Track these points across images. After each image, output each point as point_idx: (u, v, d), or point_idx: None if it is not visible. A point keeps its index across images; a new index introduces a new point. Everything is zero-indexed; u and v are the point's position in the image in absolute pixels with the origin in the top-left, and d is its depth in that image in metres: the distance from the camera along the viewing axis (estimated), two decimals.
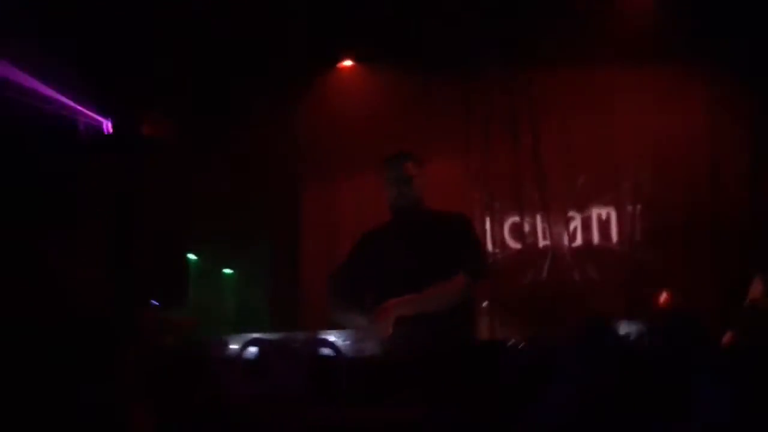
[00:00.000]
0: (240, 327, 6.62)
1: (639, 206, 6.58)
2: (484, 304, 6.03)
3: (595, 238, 6.65)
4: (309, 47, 6.43)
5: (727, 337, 4.45)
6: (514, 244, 6.77)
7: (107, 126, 6.77)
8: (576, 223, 6.70)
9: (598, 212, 6.68)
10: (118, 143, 6.71)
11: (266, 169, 6.99)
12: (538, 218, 6.72)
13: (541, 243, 6.71)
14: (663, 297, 5.61)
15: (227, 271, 7.33)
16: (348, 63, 6.98)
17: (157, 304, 5.66)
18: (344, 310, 3.47)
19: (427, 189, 3.54)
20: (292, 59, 6.50)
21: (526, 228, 6.69)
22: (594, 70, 6.60)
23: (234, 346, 6.04)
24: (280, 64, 6.56)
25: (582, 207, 6.69)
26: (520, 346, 2.70)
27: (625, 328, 2.18)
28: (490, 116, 6.83)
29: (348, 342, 5.86)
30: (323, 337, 5.87)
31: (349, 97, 6.92)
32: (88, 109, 6.62)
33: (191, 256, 7.02)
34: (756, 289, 5.14)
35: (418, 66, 6.71)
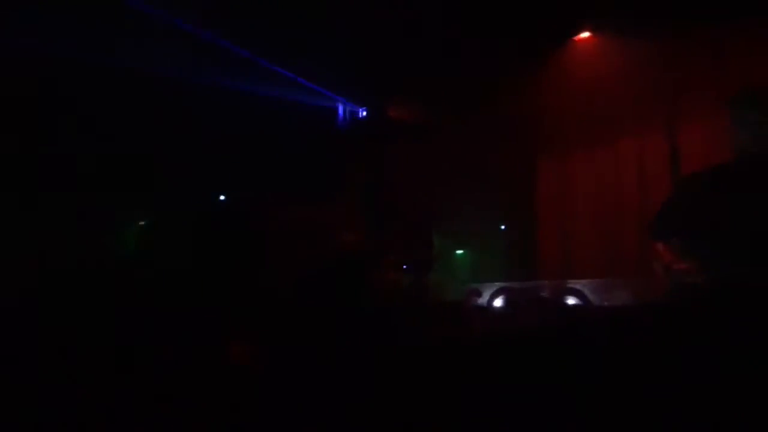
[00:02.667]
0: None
1: None
2: None
3: None
4: (546, 22, 6.53)
5: None
6: None
7: (362, 113, 7.48)
8: None
9: None
10: (371, 128, 7.38)
11: (507, 147, 7.26)
12: None
13: None
14: None
15: (459, 252, 7.74)
16: (585, 35, 6.98)
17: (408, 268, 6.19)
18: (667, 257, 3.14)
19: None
20: (529, 35, 6.63)
21: None
22: None
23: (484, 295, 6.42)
24: (517, 40, 6.70)
25: None
26: None
27: None
28: (747, 70, 6.40)
29: (595, 291, 5.98)
30: (570, 285, 6.05)
31: (586, 69, 6.93)
32: (346, 99, 7.37)
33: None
34: None
35: (662, 29, 6.49)
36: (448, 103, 7.18)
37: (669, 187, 6.40)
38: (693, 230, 3.09)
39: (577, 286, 6.28)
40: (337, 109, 7.26)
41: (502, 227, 7.53)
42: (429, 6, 6.21)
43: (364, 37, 6.38)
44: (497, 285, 6.64)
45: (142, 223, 6.46)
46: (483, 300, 6.48)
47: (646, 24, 6.47)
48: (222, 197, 6.50)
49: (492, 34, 6.48)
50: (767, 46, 6.24)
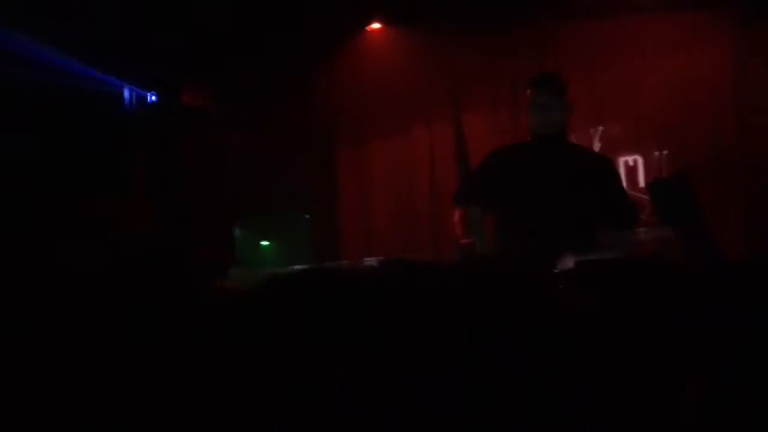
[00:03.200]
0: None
1: (665, 152, 6.72)
2: None
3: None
4: (339, 10, 6.65)
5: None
6: None
7: (151, 98, 7.14)
8: None
9: (625, 160, 6.84)
10: (161, 114, 7.08)
11: (303, 135, 7.33)
12: None
13: None
14: None
15: (264, 243, 7.70)
16: (377, 26, 7.20)
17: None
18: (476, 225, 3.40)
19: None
20: (323, 23, 6.73)
21: None
22: (620, 20, 6.74)
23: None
24: (312, 28, 6.78)
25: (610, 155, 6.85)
26: None
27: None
28: (517, 72, 7.02)
29: None
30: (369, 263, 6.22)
31: (378, 60, 7.17)
32: (132, 83, 6.99)
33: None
34: None
35: (445, 25, 6.89)
36: (246, 91, 7.10)
37: (454, 168, 6.91)
38: (487, 201, 3.38)
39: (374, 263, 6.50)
40: (122, 94, 6.84)
41: (307, 216, 7.59)
42: None
43: (151, 18, 6.12)
44: (302, 268, 6.67)
45: None
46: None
47: (436, 17, 6.83)
48: None
49: (286, 24, 6.51)
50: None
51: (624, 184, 6.49)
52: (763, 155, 6.45)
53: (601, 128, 6.86)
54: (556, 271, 2.70)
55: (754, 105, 6.53)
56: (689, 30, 6.68)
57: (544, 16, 6.84)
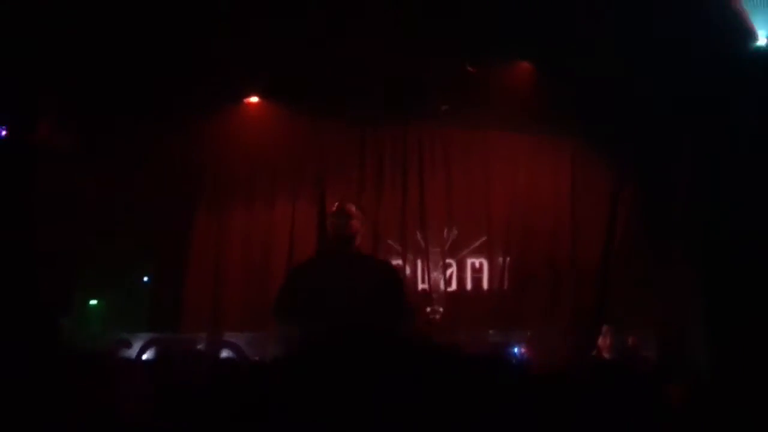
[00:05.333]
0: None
1: (508, 258, 7.26)
2: None
3: (469, 284, 7.29)
4: (218, 82, 6.70)
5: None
6: None
7: (1, 133, 6.70)
8: (452, 270, 7.32)
9: (472, 261, 7.33)
10: (10, 149, 6.64)
11: (160, 193, 7.15)
12: (419, 263, 7.29)
13: (420, 286, 7.28)
14: None
15: (93, 302, 7.32)
16: (254, 99, 7.29)
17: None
18: (291, 335, 3.79)
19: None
20: (200, 92, 6.73)
21: (408, 271, 7.20)
22: (477, 132, 7.34)
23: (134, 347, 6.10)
24: (188, 96, 6.75)
25: (457, 255, 7.33)
26: None
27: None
28: (383, 161, 7.39)
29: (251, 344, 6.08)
30: (226, 338, 6.08)
31: (252, 130, 7.24)
32: None
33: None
34: (605, 340, 5.89)
35: (311, 106, 7.10)
36: (109, 135, 6.87)
37: (314, 247, 6.99)
38: (303, 313, 3.69)
39: (233, 339, 6.41)
40: None
41: (145, 279, 7.31)
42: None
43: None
44: (146, 336, 6.42)
45: None
46: (132, 352, 6.20)
47: (305, 97, 7.04)
48: None
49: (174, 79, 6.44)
50: None
51: (467, 284, 7.12)
52: (587, 271, 7.13)
53: (455, 231, 7.33)
54: None
55: (586, 224, 7.26)
56: (536, 152, 7.40)
57: (409, 119, 7.31)
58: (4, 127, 6.77)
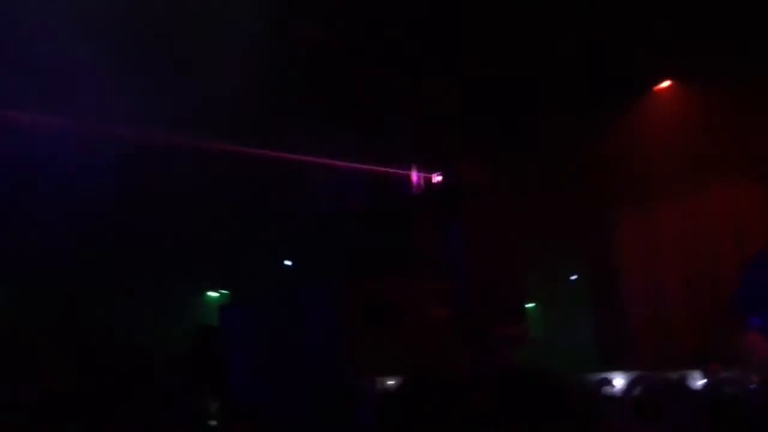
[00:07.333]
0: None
1: None
2: None
3: None
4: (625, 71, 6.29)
5: None
6: None
7: (435, 178, 7.26)
8: None
9: None
10: (444, 193, 7.13)
11: (582, 201, 6.95)
12: None
13: None
14: None
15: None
16: (665, 84, 6.68)
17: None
18: None
19: None
20: (607, 85, 6.38)
21: None
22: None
23: (616, 384, 5.92)
24: (592, 93, 6.46)
25: None
26: None
27: None
28: None
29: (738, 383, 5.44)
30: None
31: (667, 118, 6.61)
32: (419, 168, 7.19)
33: None
34: None
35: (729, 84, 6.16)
36: (517, 161, 6.92)
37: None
38: None
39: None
40: (410, 176, 7.03)
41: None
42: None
43: None
44: (629, 373, 6.10)
45: None
46: (617, 390, 5.90)
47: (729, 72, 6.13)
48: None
49: (571, 85, 6.27)
50: None
51: None
52: None
53: None
54: None
55: None
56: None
57: None
58: (438, 173, 7.36)
